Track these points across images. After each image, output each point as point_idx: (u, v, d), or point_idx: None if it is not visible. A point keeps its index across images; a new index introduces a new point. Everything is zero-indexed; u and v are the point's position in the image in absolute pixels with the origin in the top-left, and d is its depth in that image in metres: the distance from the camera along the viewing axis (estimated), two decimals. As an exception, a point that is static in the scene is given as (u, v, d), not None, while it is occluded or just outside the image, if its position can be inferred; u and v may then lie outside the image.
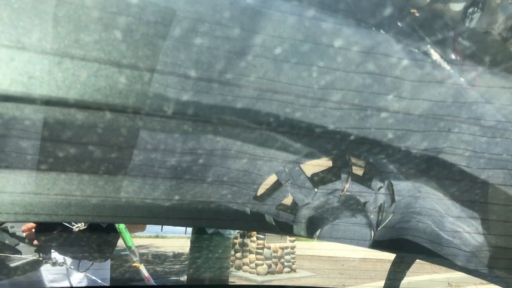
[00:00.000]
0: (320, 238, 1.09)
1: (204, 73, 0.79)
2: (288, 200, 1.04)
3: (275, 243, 7.54)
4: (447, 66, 0.91)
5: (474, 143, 1.00)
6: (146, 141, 0.85)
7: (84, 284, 1.74)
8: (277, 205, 1.03)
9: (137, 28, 0.71)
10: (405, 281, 1.52)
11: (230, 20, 0.76)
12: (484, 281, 1.27)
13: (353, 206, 1.06)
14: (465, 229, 1.14)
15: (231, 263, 7.52)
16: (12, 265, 1.56)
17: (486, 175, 1.05)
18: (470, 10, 0.86)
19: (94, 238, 1.67)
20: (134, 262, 1.66)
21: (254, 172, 0.99)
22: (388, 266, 1.51)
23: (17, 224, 1.58)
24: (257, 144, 0.93)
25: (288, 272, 7.64)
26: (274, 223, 1.05)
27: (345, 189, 1.03)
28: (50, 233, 1.58)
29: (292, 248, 7.80)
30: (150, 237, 10.43)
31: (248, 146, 0.93)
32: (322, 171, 1.02)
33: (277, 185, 1.01)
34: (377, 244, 1.16)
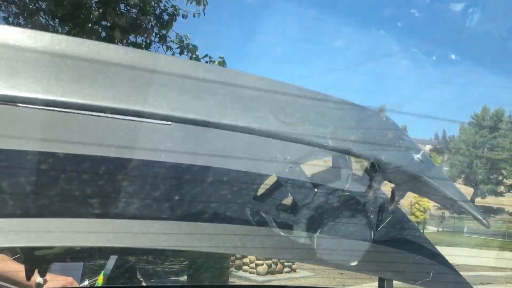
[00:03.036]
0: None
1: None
2: (288, 200, 1.03)
3: (275, 243, 7.53)
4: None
5: None
6: (146, 142, 0.85)
7: None
8: (277, 205, 1.03)
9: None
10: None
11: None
12: (484, 281, 1.27)
13: (353, 206, 1.06)
14: None
15: (231, 263, 7.51)
16: None
17: None
18: (470, 10, 0.86)
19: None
20: None
21: (254, 172, 0.99)
22: (388, 266, 1.50)
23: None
24: (257, 144, 0.92)
25: (288, 272, 7.64)
26: (274, 223, 1.05)
27: (345, 189, 1.03)
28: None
29: (292, 248, 7.79)
30: (150, 237, 10.39)
31: (248, 146, 0.93)
32: (322, 171, 1.02)
33: (277, 185, 1.01)
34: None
